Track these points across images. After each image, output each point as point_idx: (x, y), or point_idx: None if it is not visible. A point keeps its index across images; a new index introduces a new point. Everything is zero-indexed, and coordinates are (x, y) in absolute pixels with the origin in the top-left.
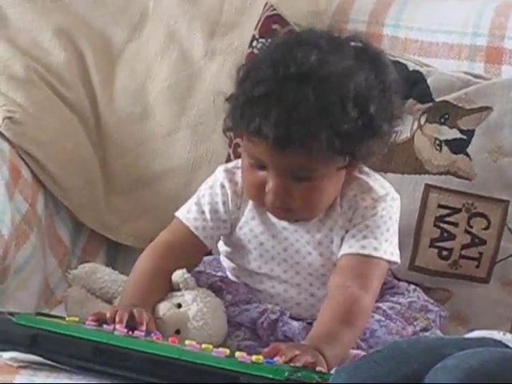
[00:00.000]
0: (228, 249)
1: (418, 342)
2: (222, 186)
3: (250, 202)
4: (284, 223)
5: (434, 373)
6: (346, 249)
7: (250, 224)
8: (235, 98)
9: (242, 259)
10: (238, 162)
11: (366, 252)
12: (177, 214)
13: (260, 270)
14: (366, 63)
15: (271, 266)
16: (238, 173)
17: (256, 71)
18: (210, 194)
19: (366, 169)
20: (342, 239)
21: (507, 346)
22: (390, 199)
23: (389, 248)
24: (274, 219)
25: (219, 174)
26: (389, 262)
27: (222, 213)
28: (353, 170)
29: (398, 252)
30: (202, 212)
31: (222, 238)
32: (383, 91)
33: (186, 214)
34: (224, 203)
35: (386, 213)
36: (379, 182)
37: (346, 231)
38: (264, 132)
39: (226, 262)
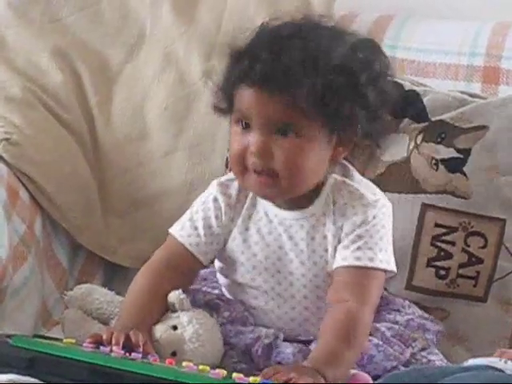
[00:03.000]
0: (222, 264)
1: (418, 376)
2: (215, 200)
3: (244, 212)
4: (279, 229)
5: None
6: (340, 261)
7: (243, 234)
8: (228, 56)
9: (235, 272)
10: (232, 174)
11: (361, 263)
12: (171, 230)
13: (254, 282)
14: (361, 48)
15: (264, 278)
16: (232, 185)
17: (249, 38)
18: (203, 209)
19: (356, 174)
20: (335, 249)
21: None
22: (380, 205)
23: (384, 257)
24: (268, 227)
25: (212, 188)
26: (385, 271)
27: (215, 227)
28: (338, 156)
29: (393, 260)
30: (196, 228)
31: (216, 253)
32: (374, 70)
33: (180, 230)
34: (217, 217)
35: (379, 221)
36: (370, 189)
37: (339, 240)
38: (252, 75)
39: (221, 279)
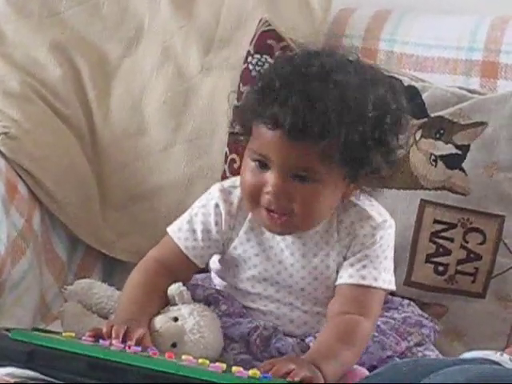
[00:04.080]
0: (220, 267)
1: (416, 365)
2: (217, 206)
3: (246, 224)
4: (281, 244)
5: None
6: (345, 278)
7: (244, 245)
8: (252, 88)
9: (233, 278)
10: (235, 180)
11: (365, 283)
12: (168, 230)
13: (253, 289)
14: (383, 84)
15: (264, 286)
16: (234, 192)
17: (276, 70)
18: (203, 213)
19: (363, 195)
20: (339, 265)
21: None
22: (387, 226)
23: (387, 277)
24: (270, 242)
25: (214, 193)
26: (386, 290)
27: (214, 233)
28: (350, 193)
29: (394, 279)
30: (194, 231)
31: (214, 256)
32: (398, 110)
33: (177, 232)
34: (217, 223)
35: (385, 241)
36: (376, 209)
37: (344, 258)
38: (281, 119)
39: (217, 281)
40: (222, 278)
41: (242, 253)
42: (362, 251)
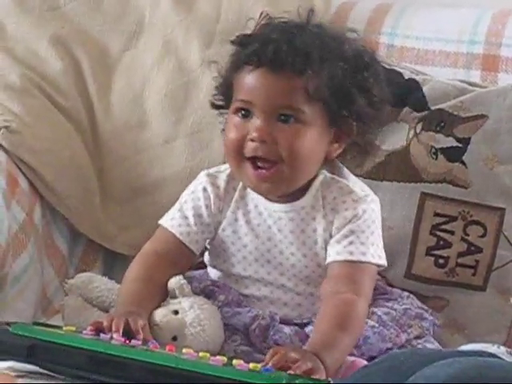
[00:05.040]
0: (212, 256)
1: (414, 354)
2: (205, 190)
3: (233, 204)
4: (268, 221)
5: (412, 382)
6: (333, 256)
7: (233, 226)
8: (232, 43)
9: (225, 263)
10: (221, 166)
11: (354, 258)
12: (161, 221)
13: (245, 272)
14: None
15: (255, 268)
16: (220, 176)
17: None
18: (193, 198)
19: (346, 171)
20: (326, 241)
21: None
22: (370, 200)
23: (376, 251)
24: (257, 219)
25: (201, 179)
26: (376, 265)
27: (205, 216)
28: (333, 151)
29: (384, 254)
30: (186, 217)
31: (207, 244)
32: (377, 69)
33: (170, 221)
34: (207, 207)
35: (369, 216)
36: (359, 185)
37: (330, 234)
38: (262, 53)
39: (212, 272)
40: (215, 267)
41: (231, 234)
42: (347, 227)
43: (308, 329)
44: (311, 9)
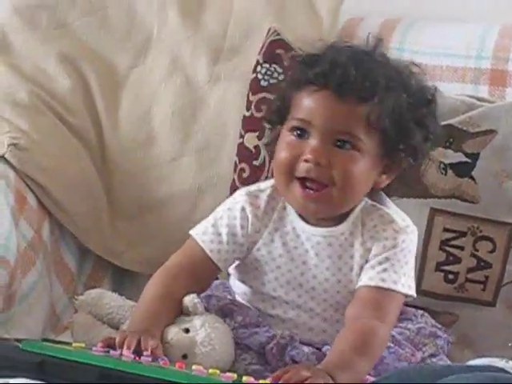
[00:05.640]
0: (241, 270)
1: (423, 370)
2: (243, 209)
3: (271, 224)
4: (306, 245)
5: None
6: (365, 280)
7: (268, 246)
8: (293, 63)
9: (256, 281)
10: (260, 185)
11: (385, 285)
12: (192, 232)
13: (275, 292)
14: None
15: (286, 290)
16: (261, 195)
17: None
18: (229, 216)
19: (387, 199)
20: (361, 268)
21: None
22: (410, 231)
23: (407, 282)
24: (295, 242)
25: (240, 197)
26: (405, 295)
27: (239, 236)
28: (381, 183)
29: (414, 285)
30: (219, 234)
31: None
32: (434, 107)
33: (202, 235)
34: (242, 227)
35: (406, 246)
36: (399, 214)
37: (366, 261)
38: (330, 75)
39: (237, 286)
40: (244, 282)
41: (266, 254)
42: (384, 254)
43: (325, 348)
44: (380, 38)
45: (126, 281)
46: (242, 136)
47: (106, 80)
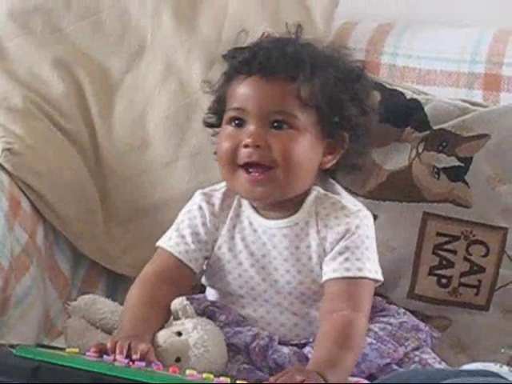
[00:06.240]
0: (209, 274)
1: (418, 374)
2: (200, 208)
3: (228, 221)
4: (263, 238)
5: None
6: (330, 273)
7: (228, 243)
8: (223, 57)
9: (222, 281)
10: (216, 185)
11: (351, 274)
12: (159, 243)
13: (241, 290)
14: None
15: (251, 285)
16: (215, 194)
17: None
18: (189, 217)
19: (339, 187)
20: (320, 257)
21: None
22: (362, 216)
23: (373, 266)
24: (252, 236)
25: (196, 198)
26: (373, 280)
27: (202, 234)
28: (327, 162)
29: (380, 269)
30: (183, 236)
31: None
32: (367, 82)
33: (168, 241)
34: (203, 224)
35: (363, 231)
36: (351, 201)
37: (323, 250)
38: (254, 62)
39: (209, 293)
40: (212, 286)
41: (227, 251)
42: (341, 243)
43: (306, 350)
44: (299, 24)
45: (120, 286)
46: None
47: (100, 84)
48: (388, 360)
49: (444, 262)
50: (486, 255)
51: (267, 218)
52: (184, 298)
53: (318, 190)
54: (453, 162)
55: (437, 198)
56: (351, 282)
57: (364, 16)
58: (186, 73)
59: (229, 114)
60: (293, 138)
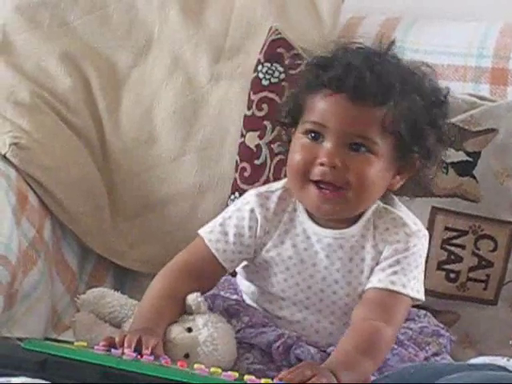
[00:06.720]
0: (250, 270)
1: (424, 368)
2: (252, 211)
3: (281, 226)
4: (317, 246)
5: None
6: (375, 282)
7: (278, 248)
8: (306, 67)
9: (264, 281)
10: (271, 185)
11: (394, 288)
12: (200, 231)
13: (283, 293)
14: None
15: (295, 291)
16: (271, 197)
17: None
18: (237, 217)
19: (398, 202)
20: (372, 271)
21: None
22: (422, 236)
23: (416, 285)
24: (305, 243)
25: (250, 198)
26: (413, 298)
27: (246, 237)
28: (395, 184)
29: (423, 290)
30: (226, 234)
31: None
32: (447, 108)
33: (209, 234)
34: (250, 228)
35: (417, 250)
36: (411, 218)
37: (377, 263)
38: (344, 79)
39: (244, 285)
40: (251, 282)
41: (276, 255)
42: (394, 257)
43: (330, 349)
44: (393, 40)
45: (127, 280)
46: (243, 135)
47: (107, 79)
48: (408, 364)
49: (452, 257)
50: (494, 250)
51: (323, 226)
52: (199, 293)
53: (378, 204)
54: (461, 156)
55: (445, 192)
56: (392, 296)
57: (371, 10)
58: (193, 67)
59: (307, 125)
60: (370, 162)
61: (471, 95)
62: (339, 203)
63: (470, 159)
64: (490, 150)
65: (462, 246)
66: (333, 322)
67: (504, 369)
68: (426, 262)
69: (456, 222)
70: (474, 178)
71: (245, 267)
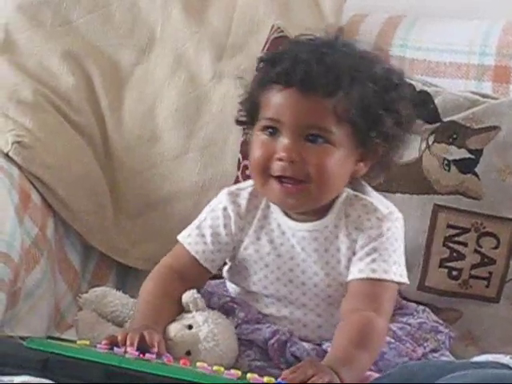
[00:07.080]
0: (232, 272)
1: (426, 366)
2: (225, 209)
3: (256, 222)
4: (292, 240)
5: None
6: (355, 273)
7: (255, 244)
8: (257, 65)
9: (246, 281)
10: (241, 184)
11: (376, 276)
12: (179, 237)
13: (266, 290)
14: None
15: (276, 287)
16: (242, 194)
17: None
18: (212, 217)
19: (368, 188)
20: (349, 260)
21: None
22: (394, 218)
23: (398, 270)
24: (281, 238)
25: (222, 197)
26: (398, 283)
27: (223, 236)
28: (359, 171)
29: (405, 273)
30: (203, 235)
31: (227, 261)
32: (405, 90)
33: (187, 237)
34: (225, 226)
35: (392, 234)
36: (383, 202)
37: (353, 252)
38: (292, 72)
39: (231, 288)
40: (235, 284)
41: (254, 252)
42: (370, 244)
43: (325, 345)
44: (341, 27)
45: (130, 278)
46: (245, 133)
47: (109, 77)
48: (406, 359)
49: (454, 254)
50: (496, 247)
51: (296, 220)
52: (195, 290)
53: (347, 192)
54: (463, 154)
55: (447, 190)
56: (376, 284)
57: (374, 8)
58: (196, 65)
59: (263, 122)
60: (328, 152)
61: (474, 93)
62: (302, 196)
63: (473, 156)
64: (492, 148)
65: (465, 244)
66: (320, 315)
67: (507, 367)
68: (428, 259)
69: (458, 220)
70: (476, 175)
71: (229, 270)
